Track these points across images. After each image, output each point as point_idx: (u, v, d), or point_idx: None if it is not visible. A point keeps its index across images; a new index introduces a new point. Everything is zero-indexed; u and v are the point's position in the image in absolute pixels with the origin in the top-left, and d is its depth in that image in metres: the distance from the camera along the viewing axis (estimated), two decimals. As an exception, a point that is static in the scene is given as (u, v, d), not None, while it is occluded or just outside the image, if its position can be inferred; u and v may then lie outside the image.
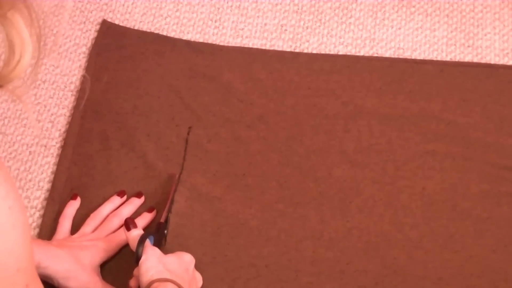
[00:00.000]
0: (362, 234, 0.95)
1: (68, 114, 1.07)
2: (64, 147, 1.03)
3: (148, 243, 0.86)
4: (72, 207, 0.97)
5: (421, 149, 1.02)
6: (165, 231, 0.93)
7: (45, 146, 1.04)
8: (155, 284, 0.81)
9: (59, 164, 1.01)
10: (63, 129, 1.05)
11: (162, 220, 0.93)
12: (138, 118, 1.05)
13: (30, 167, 1.02)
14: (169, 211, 0.95)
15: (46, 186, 1.00)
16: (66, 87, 1.09)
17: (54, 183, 1.00)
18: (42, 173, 1.02)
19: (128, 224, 0.88)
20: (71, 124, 1.05)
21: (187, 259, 0.88)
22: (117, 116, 1.05)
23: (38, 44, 0.56)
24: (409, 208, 0.97)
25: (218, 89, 1.08)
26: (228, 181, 1.00)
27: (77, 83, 1.10)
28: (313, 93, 1.08)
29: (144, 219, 0.96)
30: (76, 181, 1.00)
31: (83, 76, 0.73)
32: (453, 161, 1.01)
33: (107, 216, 0.96)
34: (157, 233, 0.90)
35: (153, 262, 0.83)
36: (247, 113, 1.06)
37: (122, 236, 0.92)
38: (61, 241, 0.91)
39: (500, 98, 1.07)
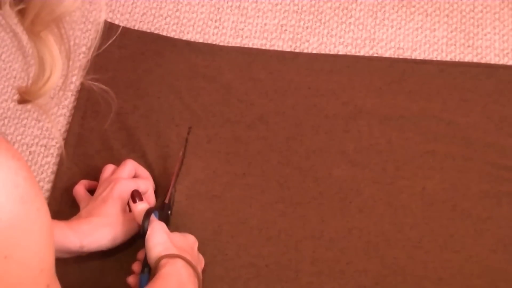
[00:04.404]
0: (362, 234, 0.95)
1: (68, 114, 1.07)
2: (64, 147, 1.03)
3: (154, 217, 0.85)
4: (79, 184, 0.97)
5: (421, 149, 1.02)
6: (169, 212, 0.92)
7: (45, 146, 1.04)
8: (164, 261, 0.80)
9: (59, 164, 1.02)
10: (63, 129, 1.05)
11: (166, 200, 0.92)
12: (138, 118, 1.05)
13: (30, 167, 1.02)
14: (174, 191, 0.94)
15: (46, 186, 1.00)
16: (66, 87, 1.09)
17: (54, 183, 1.00)
18: (42, 173, 1.02)
19: (134, 196, 0.88)
20: (71, 124, 1.05)
21: (192, 239, 0.88)
22: (117, 116, 1.05)
23: (67, 61, 0.57)
24: (409, 208, 0.97)
25: (218, 89, 1.08)
26: (228, 180, 1.00)
27: (77, 83, 1.10)
28: (313, 93, 1.08)
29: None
30: (76, 181, 0.99)
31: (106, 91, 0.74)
32: (453, 161, 1.01)
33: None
34: (162, 212, 0.89)
35: (160, 237, 0.82)
36: (247, 113, 1.06)
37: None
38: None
39: (500, 98, 1.07)
